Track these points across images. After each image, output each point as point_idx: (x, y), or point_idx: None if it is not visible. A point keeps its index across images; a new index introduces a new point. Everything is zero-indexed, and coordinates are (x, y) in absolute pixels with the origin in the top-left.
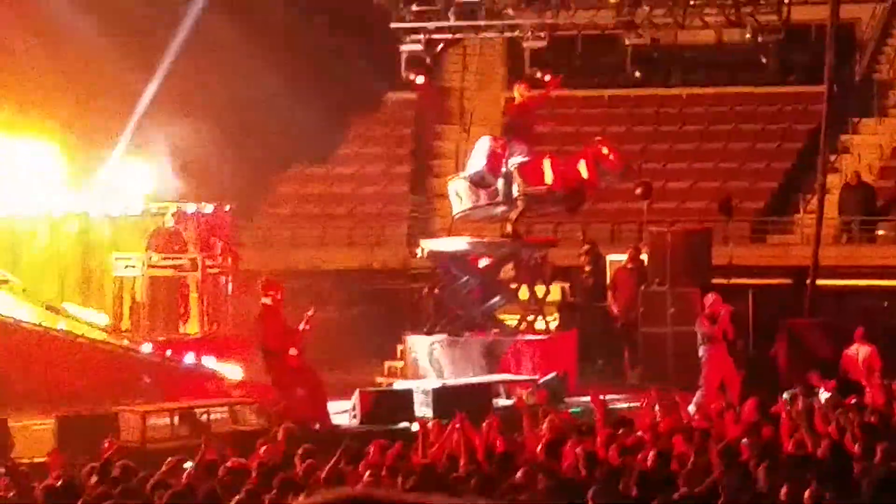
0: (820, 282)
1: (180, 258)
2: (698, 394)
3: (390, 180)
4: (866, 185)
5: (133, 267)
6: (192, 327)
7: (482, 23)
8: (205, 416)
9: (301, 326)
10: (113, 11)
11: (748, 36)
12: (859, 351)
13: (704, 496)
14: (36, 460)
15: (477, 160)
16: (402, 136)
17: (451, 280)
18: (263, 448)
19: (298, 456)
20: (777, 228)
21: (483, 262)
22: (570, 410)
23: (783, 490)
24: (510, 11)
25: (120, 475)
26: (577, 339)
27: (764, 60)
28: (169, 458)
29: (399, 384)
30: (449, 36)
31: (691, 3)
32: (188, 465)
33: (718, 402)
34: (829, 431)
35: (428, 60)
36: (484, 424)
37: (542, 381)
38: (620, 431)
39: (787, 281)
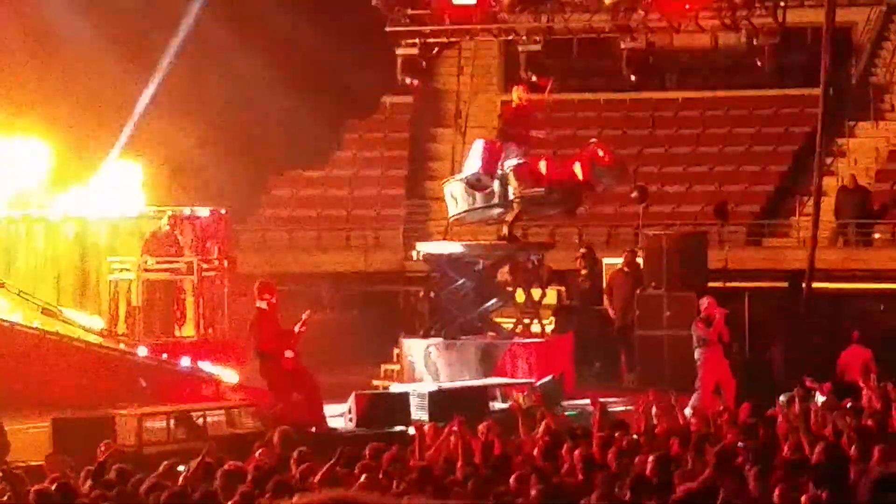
0: (816, 285)
1: (176, 262)
2: (694, 396)
3: (386, 183)
4: (862, 188)
5: (129, 270)
6: (188, 331)
7: (478, 26)
8: (201, 420)
9: (297, 328)
10: (110, 14)
11: (744, 39)
12: (855, 354)
13: (699, 499)
14: (32, 464)
15: (473, 162)
16: (398, 139)
17: (447, 283)
18: (259, 451)
19: (294, 459)
20: (773, 232)
21: (479, 265)
22: (566, 414)
23: (776, 493)
24: (505, 15)
25: (115, 478)
26: (574, 342)
27: (759, 64)
28: (164, 462)
29: (395, 387)
30: (444, 40)
31: (686, 6)
32: (182, 468)
33: (714, 405)
34: (826, 434)
35: (424, 64)
36: (480, 427)
37: (538, 384)
38: (616, 434)
39: (783, 284)
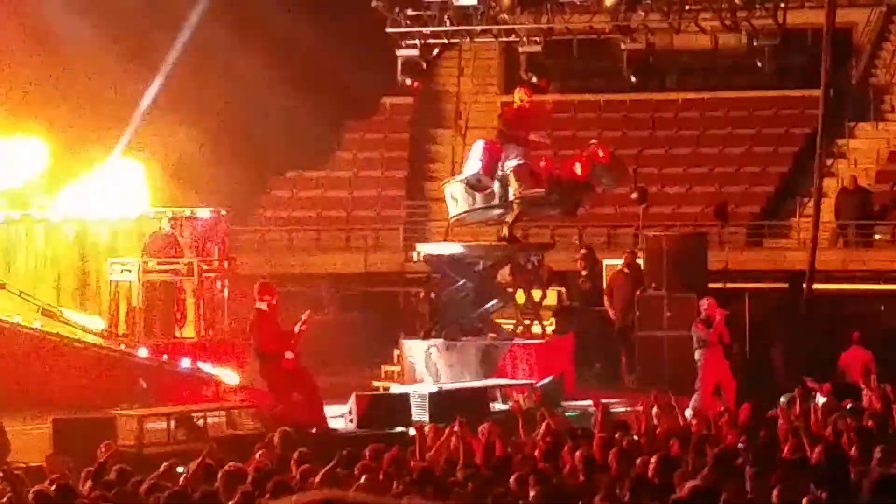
0: (816, 286)
1: (176, 263)
2: (694, 398)
3: (386, 184)
4: (863, 189)
5: (129, 271)
6: (189, 332)
7: (478, 27)
8: (201, 421)
9: (297, 327)
10: (111, 14)
11: (744, 40)
12: (856, 355)
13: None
14: (32, 464)
15: (473, 163)
16: (399, 140)
17: (447, 284)
18: (260, 452)
19: (294, 460)
20: (773, 233)
21: (479, 266)
22: (566, 415)
23: (775, 493)
24: (505, 16)
25: (116, 479)
26: (574, 342)
27: (760, 65)
28: (164, 463)
29: (395, 388)
30: (445, 41)
31: (687, 7)
32: (181, 469)
33: (715, 406)
34: (826, 435)
35: (424, 65)
36: (480, 429)
37: (538, 384)
38: (617, 435)
39: (784, 285)
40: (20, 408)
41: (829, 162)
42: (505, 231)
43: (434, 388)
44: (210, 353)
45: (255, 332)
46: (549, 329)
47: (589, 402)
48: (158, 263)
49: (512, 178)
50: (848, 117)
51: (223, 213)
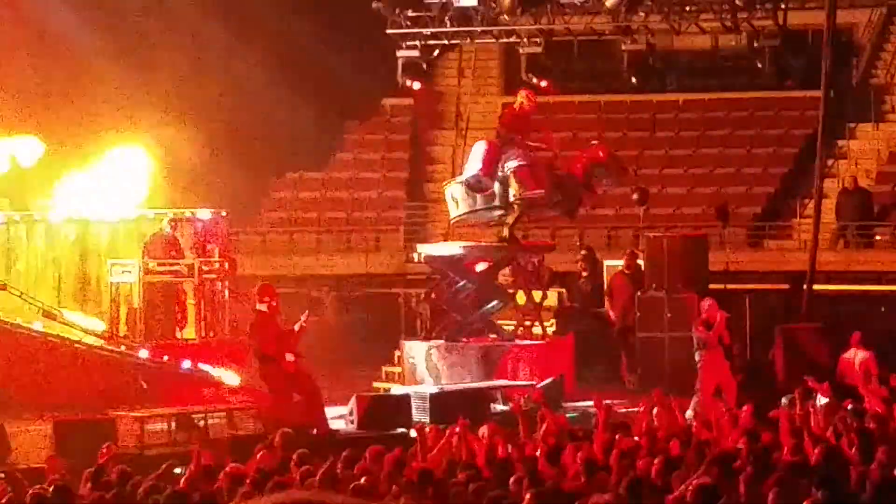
0: (817, 287)
1: (177, 264)
2: (695, 399)
3: (387, 185)
4: (863, 190)
5: (130, 273)
6: (189, 333)
7: (478, 28)
8: (202, 422)
9: (297, 326)
10: (111, 14)
11: (744, 41)
12: (856, 356)
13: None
14: (33, 466)
15: (473, 164)
16: (399, 141)
17: (448, 285)
18: (261, 453)
19: (294, 461)
20: (774, 233)
21: (480, 267)
22: (567, 416)
23: (772, 494)
24: (506, 17)
25: (116, 480)
26: (574, 343)
27: (760, 66)
28: (164, 465)
29: (396, 389)
30: (445, 42)
31: (687, 8)
32: (178, 470)
33: (715, 407)
34: (827, 436)
35: (424, 66)
36: (481, 430)
37: (539, 385)
38: (618, 436)
39: (784, 286)
40: (21, 409)
41: (829, 163)
42: (505, 232)
43: (435, 390)
44: (211, 354)
45: (255, 334)
46: (550, 330)
47: (589, 402)
48: (159, 265)
49: (512, 180)
50: (848, 118)
51: (224, 214)
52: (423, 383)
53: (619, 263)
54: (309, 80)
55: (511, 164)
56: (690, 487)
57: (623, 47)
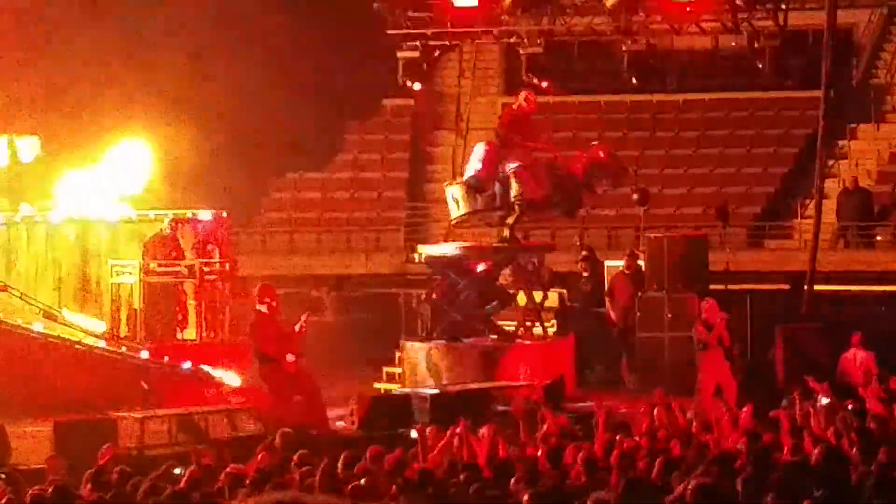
0: (817, 287)
1: (177, 265)
2: (696, 400)
3: (387, 186)
4: (864, 190)
5: (130, 273)
6: (190, 333)
7: (479, 29)
8: (203, 422)
9: (297, 327)
10: (108, 13)
11: (744, 41)
12: (857, 356)
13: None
14: (34, 466)
15: (474, 165)
16: (399, 142)
17: (448, 285)
18: (261, 454)
19: (294, 461)
20: (774, 234)
21: (480, 267)
22: (567, 416)
23: (770, 495)
24: (506, 18)
25: (116, 481)
26: (575, 344)
27: (760, 66)
28: (164, 466)
29: (397, 390)
30: (446, 42)
31: (687, 9)
32: (178, 470)
33: (716, 407)
34: (827, 436)
35: (425, 66)
36: (480, 431)
37: (539, 386)
38: (618, 437)
39: (785, 286)
40: (21, 410)
41: (829, 163)
42: (506, 232)
43: (435, 390)
44: (211, 354)
45: (255, 335)
46: (551, 330)
47: (590, 403)
48: (159, 265)
49: (513, 180)
50: (849, 118)
51: (224, 214)
52: (423, 384)
53: (620, 264)
54: (309, 81)
55: (511, 165)
56: (689, 487)
57: (623, 47)
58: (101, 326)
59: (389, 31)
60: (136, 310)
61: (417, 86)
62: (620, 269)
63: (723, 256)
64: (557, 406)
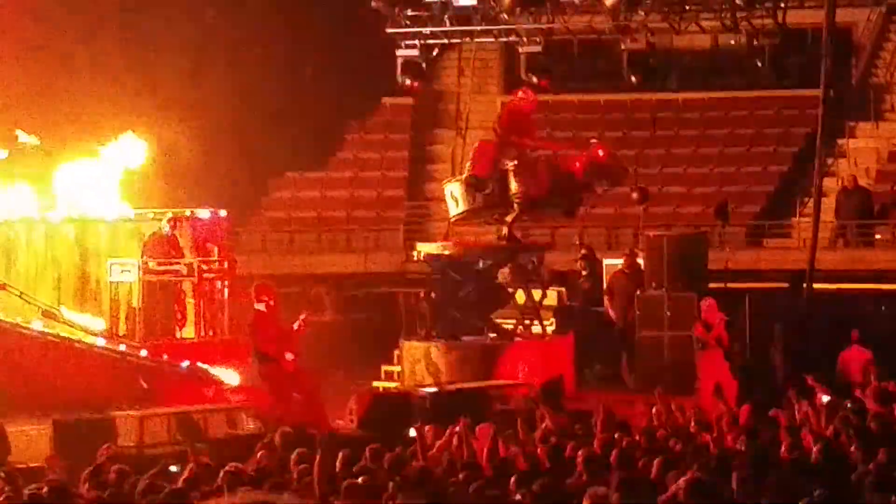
0: (817, 286)
1: (177, 263)
2: (695, 399)
3: (386, 185)
4: (863, 189)
5: (129, 272)
6: (189, 332)
7: (478, 28)
8: (202, 421)
9: (295, 325)
10: (111, 12)
11: (744, 40)
12: (856, 354)
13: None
14: (33, 465)
15: (473, 163)
16: (399, 140)
17: (447, 284)
18: (261, 453)
19: (293, 460)
20: (773, 232)
21: (479, 266)
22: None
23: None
24: (505, 16)
25: (114, 479)
26: (574, 343)
27: (760, 65)
28: (160, 464)
29: (396, 389)
30: (445, 41)
31: (687, 7)
32: (174, 468)
33: (716, 406)
34: (827, 435)
35: (424, 65)
36: (478, 429)
37: (538, 384)
38: (617, 435)
39: (784, 285)
40: (20, 409)
41: (829, 161)
42: (505, 231)
43: (434, 389)
44: (210, 353)
45: (254, 334)
46: (550, 329)
47: (590, 402)
48: (159, 264)
49: (512, 178)
50: (848, 117)
51: (223, 213)
52: (422, 382)
53: (619, 262)
54: (309, 80)
55: (510, 163)
56: (681, 484)
57: (623, 46)
58: (100, 325)
59: (389, 30)
60: (135, 308)
61: (417, 84)
62: (620, 267)
63: (722, 255)
64: (556, 405)
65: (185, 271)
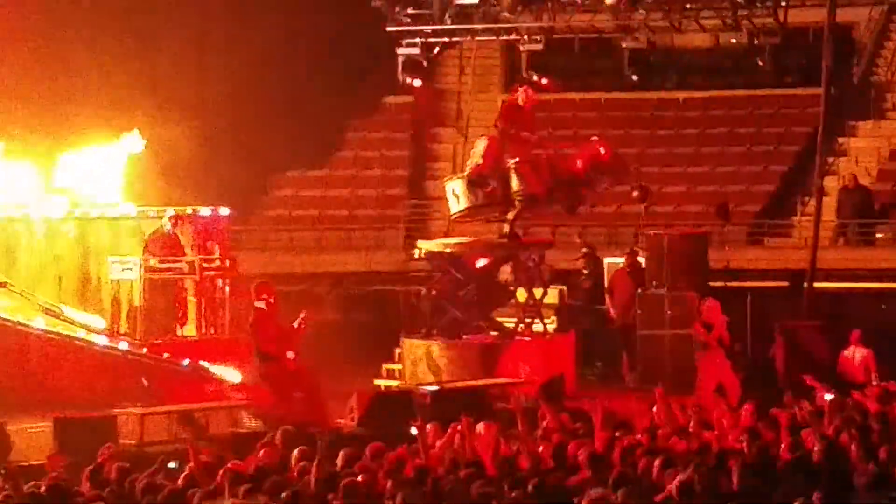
0: (817, 285)
1: (178, 261)
2: (695, 398)
3: (388, 183)
4: (864, 187)
5: (131, 270)
6: (190, 330)
7: (479, 26)
8: (203, 419)
9: (296, 324)
10: (111, 11)
11: (745, 39)
12: (856, 354)
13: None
14: (34, 463)
15: (475, 160)
16: (400, 139)
17: (448, 282)
18: (262, 451)
19: (294, 459)
20: (774, 231)
21: (480, 264)
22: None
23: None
24: (507, 15)
25: (115, 478)
26: (575, 341)
27: (760, 63)
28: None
29: (397, 387)
30: (446, 39)
31: (688, 6)
32: (172, 465)
33: (718, 406)
34: (828, 434)
35: (425, 64)
36: (478, 427)
37: (539, 383)
38: (618, 434)
39: (785, 284)
40: (22, 407)
41: (829, 160)
42: (506, 228)
43: (435, 387)
44: (212, 351)
45: (254, 332)
46: (551, 327)
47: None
48: (160, 262)
49: (513, 176)
50: (849, 116)
51: (225, 211)
52: (423, 381)
53: (620, 261)
54: (309, 78)
55: (512, 161)
56: (675, 484)
57: (624, 45)
58: (101, 323)
59: (389, 28)
60: (136, 306)
61: (418, 83)
62: (621, 266)
63: (723, 254)
64: (557, 403)
65: (186, 269)
